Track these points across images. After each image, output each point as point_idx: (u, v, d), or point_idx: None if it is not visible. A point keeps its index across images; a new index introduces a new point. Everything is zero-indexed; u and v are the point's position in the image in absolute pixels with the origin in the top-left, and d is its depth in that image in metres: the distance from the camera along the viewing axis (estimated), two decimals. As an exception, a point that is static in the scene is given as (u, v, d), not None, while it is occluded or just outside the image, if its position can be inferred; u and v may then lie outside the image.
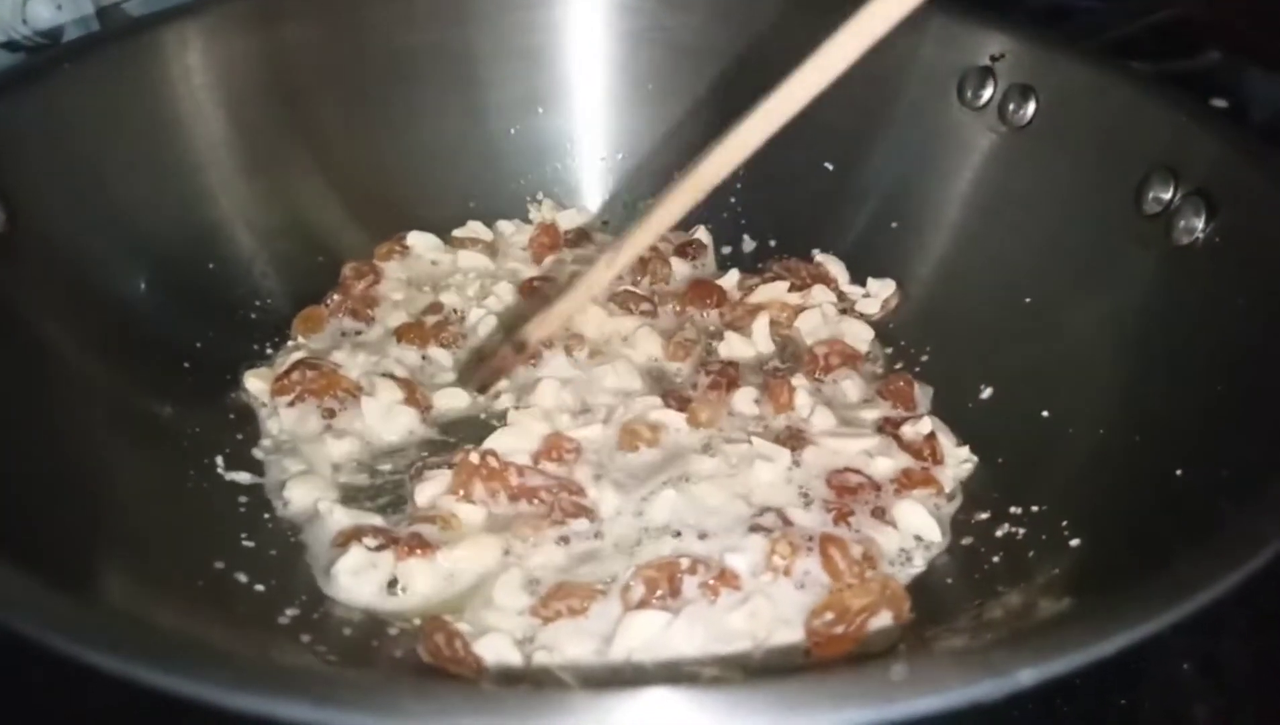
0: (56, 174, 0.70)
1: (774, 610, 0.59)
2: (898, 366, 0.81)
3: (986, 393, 0.75)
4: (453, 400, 0.75)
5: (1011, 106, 0.82)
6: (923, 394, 0.77)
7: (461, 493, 0.67)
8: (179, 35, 0.78)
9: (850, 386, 0.77)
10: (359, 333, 0.81)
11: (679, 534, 0.65)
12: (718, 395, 0.75)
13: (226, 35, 0.80)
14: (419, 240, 0.89)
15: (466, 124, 0.93)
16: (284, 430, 0.72)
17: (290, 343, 0.80)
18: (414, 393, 0.74)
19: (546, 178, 0.97)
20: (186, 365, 0.74)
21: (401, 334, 0.80)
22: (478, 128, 0.94)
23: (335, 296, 0.83)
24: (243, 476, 0.69)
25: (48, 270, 0.68)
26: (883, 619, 0.58)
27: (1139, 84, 0.75)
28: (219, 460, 0.69)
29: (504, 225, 0.93)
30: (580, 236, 0.92)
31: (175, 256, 0.77)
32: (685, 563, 0.61)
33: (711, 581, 0.60)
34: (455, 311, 0.83)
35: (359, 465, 0.71)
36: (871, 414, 0.75)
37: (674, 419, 0.73)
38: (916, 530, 0.65)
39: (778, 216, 0.94)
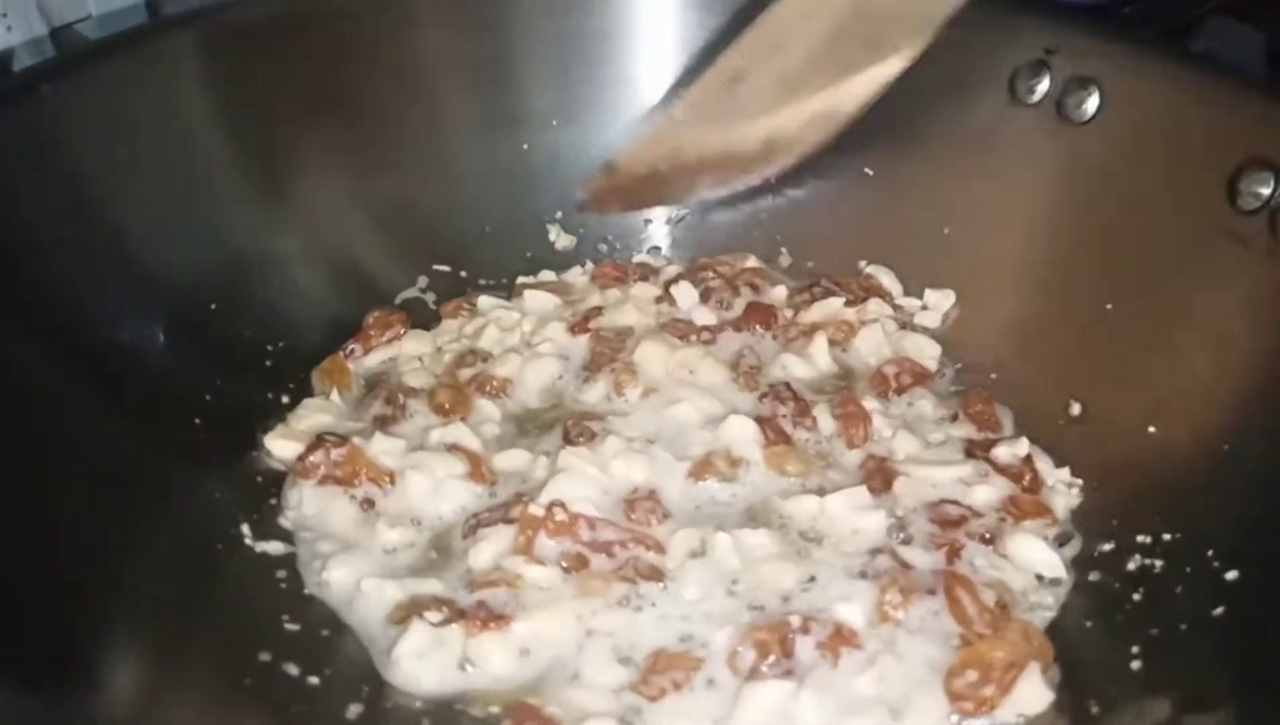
0: (47, 205, 0.61)
1: (904, 670, 0.53)
2: (961, 387, 0.75)
3: (1076, 409, 0.70)
4: (514, 460, 0.67)
5: (1071, 101, 0.77)
6: (1002, 414, 0.72)
7: (527, 551, 0.60)
8: (181, 47, 0.69)
9: (926, 407, 0.72)
10: (391, 418, 0.70)
11: (778, 587, 0.58)
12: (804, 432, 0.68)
13: (238, 47, 0.72)
14: (487, 302, 0.81)
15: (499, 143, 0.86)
16: (312, 513, 0.64)
17: (310, 401, 0.71)
18: (479, 466, 0.66)
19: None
20: (197, 421, 0.65)
21: (438, 406, 0.70)
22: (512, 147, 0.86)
23: (355, 346, 0.75)
24: (274, 547, 0.61)
25: (41, 315, 0.59)
26: (1031, 675, 0.52)
27: (1218, 73, 0.70)
28: (245, 529, 0.61)
29: (574, 271, 0.86)
30: (647, 270, 0.85)
31: (176, 294, 0.68)
32: (796, 621, 0.55)
33: (827, 640, 0.54)
34: (491, 355, 0.75)
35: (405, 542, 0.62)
36: (955, 435, 0.69)
37: (756, 454, 0.66)
38: (1037, 567, 0.59)
39: (815, 227, 0.88)
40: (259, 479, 0.65)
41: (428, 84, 0.83)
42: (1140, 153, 0.73)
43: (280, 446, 0.67)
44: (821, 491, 0.64)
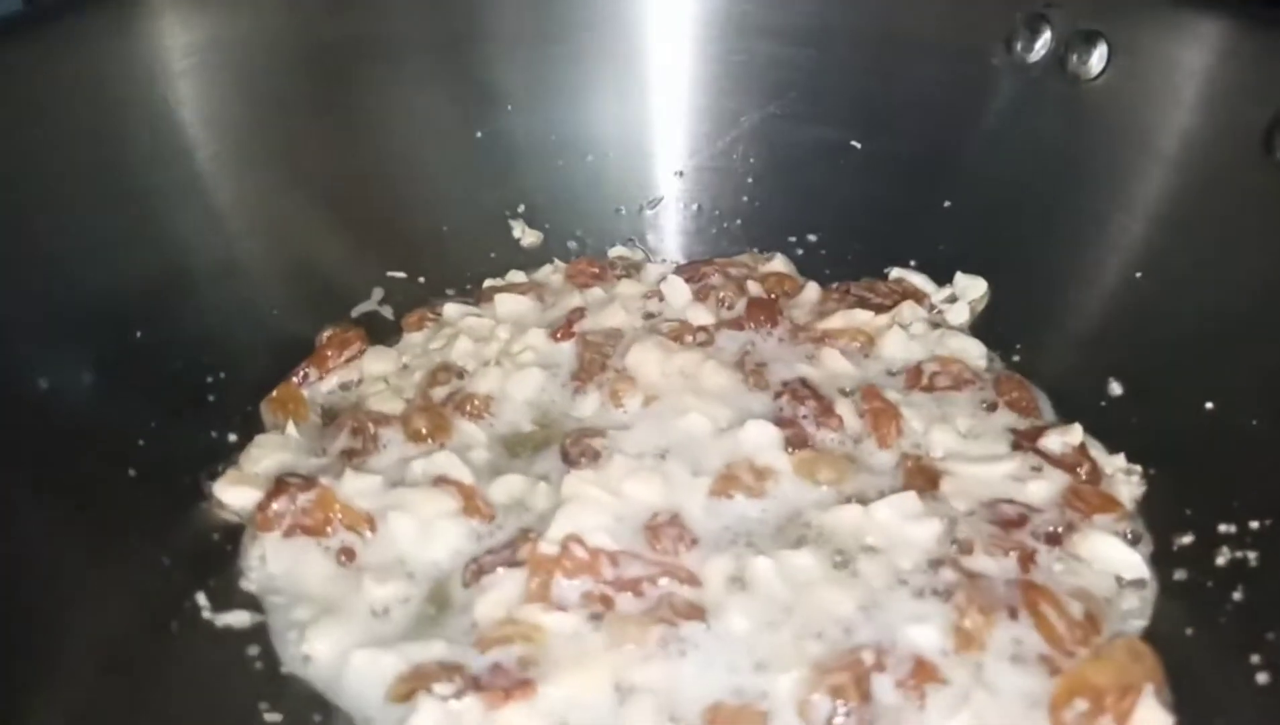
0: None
1: (1002, 706, 0.46)
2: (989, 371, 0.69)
3: (1116, 389, 0.64)
4: (511, 489, 0.58)
5: (1075, 57, 0.72)
6: (1038, 398, 0.66)
7: (543, 597, 0.51)
8: (116, 20, 0.58)
9: (959, 396, 0.65)
10: (361, 451, 0.61)
11: (836, 614, 0.51)
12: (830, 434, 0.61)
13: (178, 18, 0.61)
14: (454, 311, 0.72)
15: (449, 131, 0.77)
16: (281, 573, 0.54)
17: (262, 438, 0.62)
18: (472, 500, 0.57)
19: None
20: (131, 472, 0.55)
21: (415, 433, 0.62)
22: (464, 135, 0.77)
23: (309, 370, 0.65)
24: (239, 618, 0.51)
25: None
26: (1147, 699, 0.45)
27: (1244, 19, 0.65)
28: (201, 599, 0.52)
29: (545, 269, 0.77)
30: (630, 267, 0.77)
31: (96, 323, 0.57)
32: (869, 656, 0.47)
33: (908, 676, 0.47)
34: (466, 371, 0.66)
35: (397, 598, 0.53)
36: (996, 425, 0.63)
37: (782, 462, 0.59)
38: (1115, 568, 0.53)
39: (796, 212, 0.81)
40: (213, 536, 0.55)
41: (371, 68, 0.73)
42: (1157, 108, 0.68)
43: (233, 495, 0.57)
44: (862, 499, 0.57)
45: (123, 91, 0.62)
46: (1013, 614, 0.50)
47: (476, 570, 0.53)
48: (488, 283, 0.76)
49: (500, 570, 0.53)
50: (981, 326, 0.72)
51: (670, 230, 0.82)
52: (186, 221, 0.63)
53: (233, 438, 0.61)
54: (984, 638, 0.49)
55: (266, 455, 0.60)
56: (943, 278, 0.75)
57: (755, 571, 0.53)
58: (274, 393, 0.64)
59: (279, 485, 0.56)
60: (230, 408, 0.62)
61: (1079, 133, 0.72)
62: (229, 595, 0.52)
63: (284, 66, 0.69)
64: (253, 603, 0.52)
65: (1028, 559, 0.53)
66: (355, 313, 0.71)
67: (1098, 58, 0.71)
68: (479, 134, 0.80)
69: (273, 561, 0.54)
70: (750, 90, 0.81)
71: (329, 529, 0.55)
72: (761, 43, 0.80)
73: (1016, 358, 0.69)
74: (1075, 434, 0.59)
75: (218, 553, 0.54)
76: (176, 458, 0.58)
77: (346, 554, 0.54)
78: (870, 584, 0.53)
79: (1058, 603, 0.50)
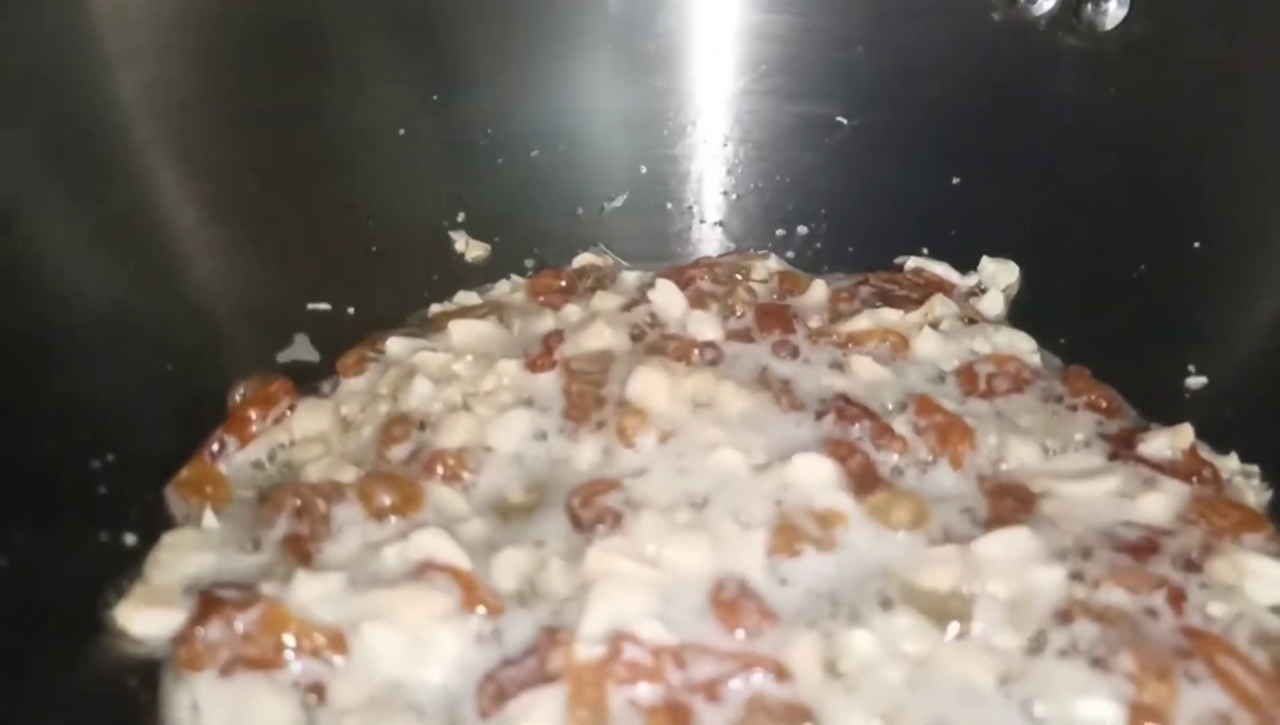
0: None
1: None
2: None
3: (1198, 380, 0.55)
4: (515, 568, 0.45)
5: (1090, 6, 0.64)
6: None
7: (595, 722, 0.38)
8: None
9: (1027, 398, 0.55)
10: (310, 537, 0.46)
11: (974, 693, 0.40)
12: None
13: None
14: (399, 346, 0.58)
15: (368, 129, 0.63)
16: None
17: (172, 536, 0.46)
18: (474, 591, 0.43)
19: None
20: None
21: (377, 509, 0.48)
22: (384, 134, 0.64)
23: (225, 438, 0.51)
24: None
25: None
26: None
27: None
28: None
29: (501, 286, 0.65)
30: (601, 276, 0.64)
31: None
32: (1045, 757, 0.36)
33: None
34: (426, 421, 0.53)
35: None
36: (1079, 430, 0.53)
37: (847, 504, 0.48)
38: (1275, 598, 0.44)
39: (796, 194, 0.70)
40: (126, 685, 0.39)
41: (276, 54, 0.59)
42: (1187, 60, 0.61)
43: (142, 621, 0.43)
44: (952, 537, 0.47)
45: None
46: (1187, 673, 0.40)
47: (496, 693, 0.40)
48: (435, 308, 0.63)
49: (532, 691, 0.39)
50: (1018, 317, 0.63)
51: (638, 234, 0.70)
52: (50, 254, 0.48)
53: (131, 540, 0.46)
54: (1169, 710, 0.38)
55: (181, 559, 0.45)
56: (962, 264, 0.66)
57: (849, 649, 0.42)
58: (182, 473, 0.50)
59: (207, 603, 0.42)
60: (125, 500, 0.47)
61: (1100, 91, 0.64)
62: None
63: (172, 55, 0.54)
64: (188, 778, 0.38)
65: (1179, 598, 0.43)
66: (274, 359, 0.56)
67: (1116, 5, 0.63)
68: (401, 131, 0.66)
69: (210, 714, 0.40)
70: (719, 65, 0.70)
71: (284, 659, 0.40)
72: (731, 10, 0.69)
73: (1062, 349, 0.61)
74: (1185, 435, 0.50)
75: (130, 709, 0.39)
76: (55, 578, 0.42)
77: (313, 692, 0.40)
78: (999, 647, 0.42)
79: (1237, 655, 0.40)
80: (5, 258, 0.48)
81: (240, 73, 0.60)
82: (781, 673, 0.41)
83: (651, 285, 0.62)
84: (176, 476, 0.49)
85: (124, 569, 0.45)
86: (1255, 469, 0.51)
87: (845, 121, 0.69)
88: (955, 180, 0.67)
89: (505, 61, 0.68)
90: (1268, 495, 0.50)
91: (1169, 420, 0.53)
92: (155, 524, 0.47)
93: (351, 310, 0.61)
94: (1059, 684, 0.40)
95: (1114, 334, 0.59)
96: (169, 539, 0.46)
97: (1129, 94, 0.63)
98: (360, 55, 0.65)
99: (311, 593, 0.43)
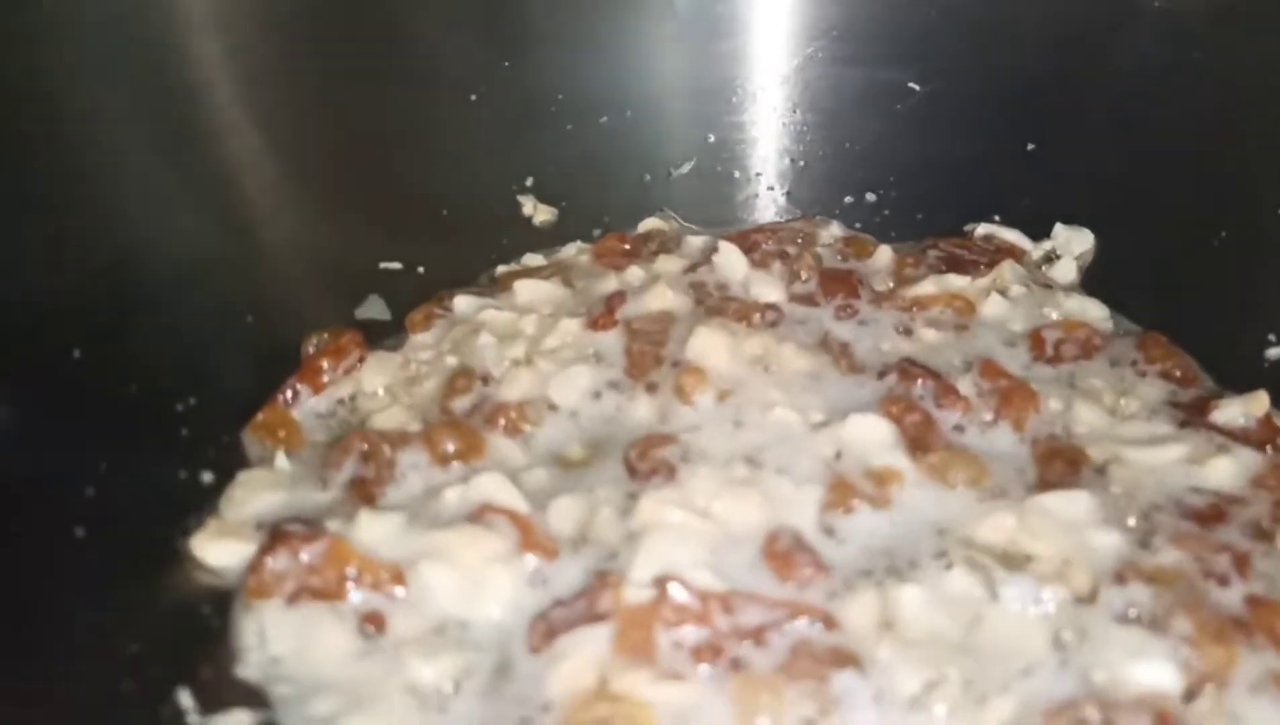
0: None
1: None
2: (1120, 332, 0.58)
3: (1278, 350, 0.53)
4: (572, 515, 0.46)
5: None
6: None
7: (645, 659, 0.39)
8: None
9: (1097, 364, 0.54)
10: (376, 481, 0.48)
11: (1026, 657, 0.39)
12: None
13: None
14: (466, 304, 0.59)
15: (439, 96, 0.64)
16: (289, 653, 0.41)
17: (246, 474, 0.49)
18: (530, 532, 0.44)
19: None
20: (79, 532, 0.42)
21: (441, 455, 0.49)
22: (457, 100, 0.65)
23: (298, 386, 0.53)
24: (238, 721, 0.38)
25: None
26: None
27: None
28: (185, 700, 0.38)
29: (567, 249, 0.66)
30: (665, 241, 0.65)
31: (21, 338, 0.44)
32: (1093, 714, 0.36)
33: (1151, 731, 0.36)
34: (491, 375, 0.54)
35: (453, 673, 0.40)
36: (1149, 398, 0.52)
37: (903, 462, 0.47)
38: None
39: (864, 161, 0.69)
40: (197, 610, 0.42)
41: (350, 23, 0.61)
42: (1276, 26, 0.58)
43: (217, 552, 0.45)
44: (1008, 496, 0.46)
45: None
46: (1243, 631, 0.39)
47: (547, 630, 0.41)
48: (501, 269, 0.64)
49: (581, 629, 0.40)
50: (1093, 284, 0.62)
51: (704, 200, 0.70)
52: (141, 211, 0.50)
53: (208, 478, 0.48)
54: (1228, 674, 0.37)
55: (254, 496, 0.48)
56: (1035, 232, 0.64)
57: (899, 604, 0.42)
58: (258, 417, 0.52)
59: (275, 536, 0.43)
60: (204, 440, 0.49)
61: (1182, 55, 0.62)
62: (221, 690, 0.40)
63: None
64: (254, 697, 0.40)
65: (1243, 564, 0.42)
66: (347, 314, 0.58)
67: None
68: (473, 96, 0.67)
69: (276, 639, 0.41)
70: (789, 30, 0.70)
71: (346, 590, 0.42)
72: (797, -26, 0.69)
73: (1138, 317, 0.59)
74: (1260, 402, 0.49)
75: (202, 632, 0.42)
76: (138, 509, 0.45)
77: (373, 622, 0.42)
78: (1052, 609, 0.41)
79: (1303, 621, 0.39)
80: (99, 211, 0.51)
81: (317, 41, 0.62)
82: (830, 622, 0.41)
83: (715, 249, 0.62)
84: (252, 420, 0.52)
85: (201, 504, 0.47)
86: (1338, 441, 0.49)
87: (917, 88, 0.68)
88: (1030, 146, 0.66)
89: (575, 29, 0.69)
90: (1349, 468, 0.48)
91: (1245, 390, 0.51)
92: (231, 463, 0.49)
93: (422, 269, 0.63)
94: (1114, 645, 0.39)
95: (1192, 302, 0.58)
96: (243, 477, 0.48)
97: (1212, 58, 0.61)
98: (433, 24, 0.67)
99: (375, 532, 0.44)
